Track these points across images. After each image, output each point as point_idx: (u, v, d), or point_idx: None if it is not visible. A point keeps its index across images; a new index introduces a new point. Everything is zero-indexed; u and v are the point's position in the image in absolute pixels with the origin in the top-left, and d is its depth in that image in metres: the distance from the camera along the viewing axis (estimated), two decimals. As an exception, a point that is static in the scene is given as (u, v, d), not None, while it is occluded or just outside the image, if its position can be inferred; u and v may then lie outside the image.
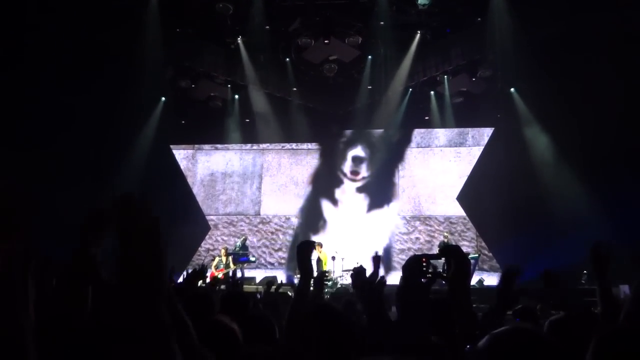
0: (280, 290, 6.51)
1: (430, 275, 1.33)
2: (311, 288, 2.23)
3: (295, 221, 14.99)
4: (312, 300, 2.11)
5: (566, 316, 2.14)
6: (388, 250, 14.16)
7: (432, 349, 1.75)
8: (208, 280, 11.19)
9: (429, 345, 1.76)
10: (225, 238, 14.67)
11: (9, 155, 8.68)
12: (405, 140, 15.07)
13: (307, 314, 1.62)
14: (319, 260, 11.13)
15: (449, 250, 1.43)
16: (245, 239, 13.15)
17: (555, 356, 1.06)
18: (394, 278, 12.98)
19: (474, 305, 1.55)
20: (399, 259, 14.04)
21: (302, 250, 2.19)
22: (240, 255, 12.28)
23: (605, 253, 2.31)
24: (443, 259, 1.43)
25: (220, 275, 11.00)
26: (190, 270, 4.28)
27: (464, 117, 13.81)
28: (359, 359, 1.36)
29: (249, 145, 15.57)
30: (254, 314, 2.68)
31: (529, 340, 1.07)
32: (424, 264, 1.34)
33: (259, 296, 5.79)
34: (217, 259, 11.80)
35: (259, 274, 12.90)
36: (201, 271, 4.62)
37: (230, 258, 11.74)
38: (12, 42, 9.08)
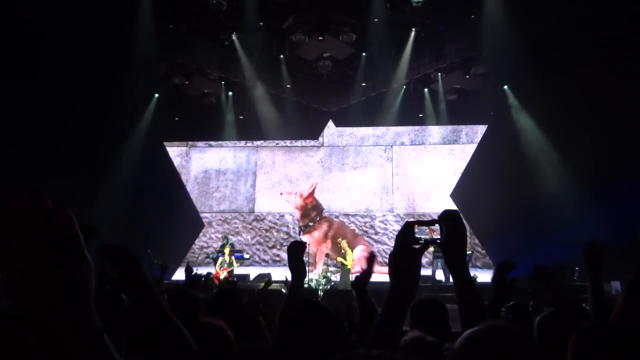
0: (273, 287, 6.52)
1: (422, 242, 1.32)
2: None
3: (290, 218, 14.98)
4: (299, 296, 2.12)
5: (556, 313, 2.16)
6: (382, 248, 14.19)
7: (428, 347, 1.76)
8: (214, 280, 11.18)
9: (425, 344, 1.77)
10: (219, 235, 14.64)
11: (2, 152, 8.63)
12: (399, 138, 15.09)
13: (294, 311, 1.64)
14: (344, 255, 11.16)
15: (443, 216, 1.42)
16: (226, 237, 13.06)
17: (531, 356, 1.03)
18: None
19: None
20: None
21: (292, 251, 2.17)
22: (234, 253, 12.25)
23: (599, 251, 2.34)
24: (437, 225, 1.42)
25: (224, 275, 10.93)
26: (185, 268, 4.28)
27: (457, 114, 13.82)
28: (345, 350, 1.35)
29: (242, 143, 15.54)
30: (243, 311, 2.69)
31: (503, 340, 1.02)
32: (417, 230, 1.33)
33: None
34: (220, 258, 11.70)
35: (252, 272, 12.87)
36: (205, 280, 4.64)
37: (233, 257, 11.67)
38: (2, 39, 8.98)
